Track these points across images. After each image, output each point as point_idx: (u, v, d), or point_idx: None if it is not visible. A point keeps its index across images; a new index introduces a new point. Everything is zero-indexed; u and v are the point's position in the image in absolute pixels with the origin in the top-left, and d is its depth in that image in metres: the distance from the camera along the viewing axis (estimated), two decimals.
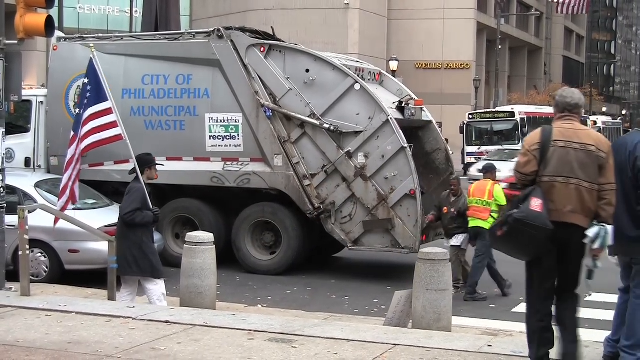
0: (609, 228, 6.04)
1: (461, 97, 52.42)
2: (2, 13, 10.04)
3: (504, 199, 10.84)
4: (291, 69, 13.02)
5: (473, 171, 30.31)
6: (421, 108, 13.92)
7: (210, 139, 13.31)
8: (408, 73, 48.41)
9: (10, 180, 11.28)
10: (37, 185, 12.31)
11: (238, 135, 13.15)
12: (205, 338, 7.48)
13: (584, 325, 9.10)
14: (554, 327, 6.16)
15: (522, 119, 36.38)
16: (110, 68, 12.72)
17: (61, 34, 15.16)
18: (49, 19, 10.23)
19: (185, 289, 9.30)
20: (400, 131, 12.44)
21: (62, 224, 10.54)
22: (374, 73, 14.37)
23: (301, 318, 9.17)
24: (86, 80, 10.02)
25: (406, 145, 12.37)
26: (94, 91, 9.80)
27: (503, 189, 11.23)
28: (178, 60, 13.58)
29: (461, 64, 54.15)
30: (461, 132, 37.51)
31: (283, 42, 13.91)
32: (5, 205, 10.12)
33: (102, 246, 10.21)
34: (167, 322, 8.03)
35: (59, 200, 10.44)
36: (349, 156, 12.60)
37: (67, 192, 10.04)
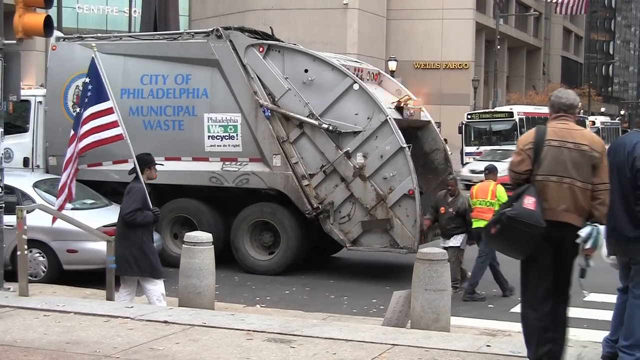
0: (601, 228, 6.09)
1: (460, 97, 52.42)
2: (1, 13, 10.03)
3: (507, 198, 10.84)
4: (290, 69, 13.02)
5: (465, 171, 30.25)
6: (420, 108, 13.92)
7: (209, 139, 13.31)
8: (407, 73, 48.39)
9: (9, 180, 11.28)
10: (36, 185, 12.31)
11: (237, 135, 13.15)
12: (204, 338, 7.47)
13: (583, 325, 9.16)
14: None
15: (521, 119, 36.37)
16: (109, 68, 12.65)
17: (60, 34, 15.16)
18: (48, 19, 10.23)
19: (183, 289, 9.30)
20: (399, 131, 12.44)
21: (61, 224, 10.53)
22: (372, 73, 14.38)
23: (300, 318, 9.16)
24: (87, 80, 10.01)
25: (405, 145, 12.37)
26: (94, 90, 9.79)
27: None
28: (177, 60, 13.58)
29: (460, 64, 54.16)
30: (460, 132, 37.49)
31: (282, 42, 13.91)
32: (3, 205, 10.11)
33: (101, 246, 10.20)
34: (165, 322, 8.02)
35: (57, 199, 10.43)
36: (348, 156, 12.60)
37: (66, 190, 10.03)
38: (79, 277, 11.42)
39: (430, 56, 54.46)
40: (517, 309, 10.26)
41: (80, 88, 13.57)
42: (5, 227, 10.18)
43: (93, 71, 9.87)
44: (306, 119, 12.77)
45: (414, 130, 14.09)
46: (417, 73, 52.76)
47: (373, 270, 13.74)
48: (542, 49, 75.51)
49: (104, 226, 10.94)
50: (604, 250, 6.39)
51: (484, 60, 60.03)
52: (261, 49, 13.12)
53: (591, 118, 50.99)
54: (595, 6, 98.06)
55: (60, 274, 11.54)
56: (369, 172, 12.51)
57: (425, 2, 53.96)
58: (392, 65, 41.40)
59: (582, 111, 59.91)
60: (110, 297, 9.48)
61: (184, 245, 9.50)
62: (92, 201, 12.60)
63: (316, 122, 12.69)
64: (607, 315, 7.12)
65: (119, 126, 9.76)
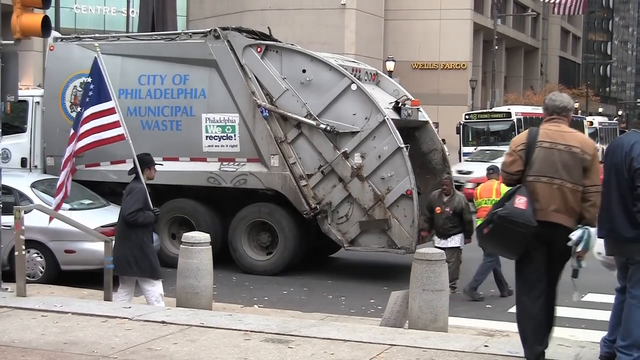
0: (592, 231, 6.17)
1: (458, 98, 52.39)
2: None
3: None
4: (288, 69, 13.02)
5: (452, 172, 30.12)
6: (418, 108, 13.91)
7: (206, 139, 13.31)
8: (404, 73, 48.37)
9: (7, 181, 11.27)
10: (33, 185, 12.29)
11: (234, 135, 13.15)
12: (202, 338, 7.47)
13: (581, 325, 9.17)
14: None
15: (519, 120, 36.34)
16: (107, 68, 12.60)
17: (58, 34, 15.15)
18: (46, 19, 10.22)
19: (181, 289, 9.29)
20: (397, 131, 12.44)
21: (59, 224, 10.54)
22: (370, 73, 14.38)
23: (297, 318, 9.17)
24: (89, 79, 10.01)
25: (402, 145, 12.37)
26: (96, 90, 9.78)
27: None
28: (174, 60, 13.58)
29: (458, 65, 54.13)
30: (457, 132, 37.49)
31: (280, 42, 13.91)
32: (1, 205, 10.11)
33: (99, 246, 10.20)
34: (163, 322, 8.02)
35: (54, 198, 10.42)
36: (346, 156, 12.60)
37: (63, 189, 10.01)
38: (76, 278, 11.41)
39: (428, 56, 54.42)
40: (515, 309, 10.32)
41: (79, 88, 13.63)
42: (3, 227, 10.17)
43: (96, 71, 9.87)
44: (304, 119, 12.77)
45: (411, 131, 14.09)
46: (415, 73, 52.72)
47: (371, 271, 13.75)
48: (540, 49, 75.52)
49: (102, 226, 10.95)
50: (595, 249, 6.45)
51: (482, 61, 60.02)
52: (259, 49, 13.12)
53: (589, 118, 50.90)
54: (592, 6, 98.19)
55: (58, 275, 11.53)
56: (366, 173, 12.51)
57: (423, 3, 53.93)
58: (390, 65, 41.40)
59: (579, 111, 60.07)
60: (108, 298, 9.48)
61: (181, 246, 9.50)
62: (90, 201, 12.59)
63: (314, 123, 12.69)
64: (605, 315, 7.13)
65: (120, 126, 9.74)
